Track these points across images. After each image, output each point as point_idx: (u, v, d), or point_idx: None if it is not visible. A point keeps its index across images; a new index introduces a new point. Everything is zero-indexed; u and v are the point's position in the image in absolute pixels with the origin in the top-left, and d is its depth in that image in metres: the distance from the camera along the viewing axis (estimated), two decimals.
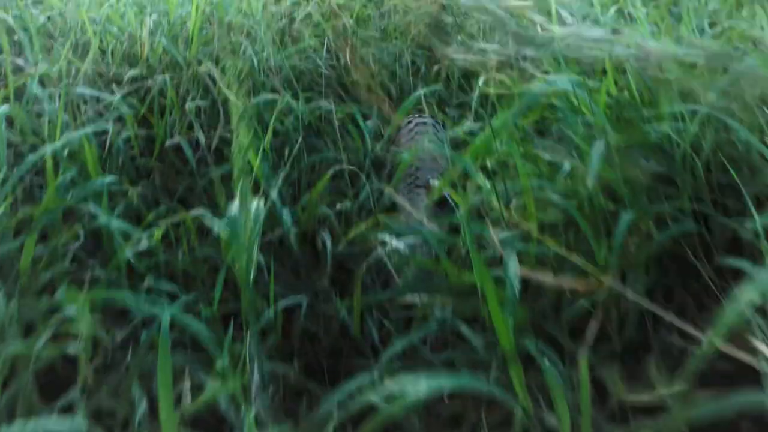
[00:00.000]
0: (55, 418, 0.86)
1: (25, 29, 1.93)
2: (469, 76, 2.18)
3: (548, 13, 1.72)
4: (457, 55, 1.64)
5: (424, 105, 1.85)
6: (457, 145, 1.63)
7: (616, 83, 1.38)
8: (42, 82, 1.67)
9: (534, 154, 1.31)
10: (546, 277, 0.94)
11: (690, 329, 0.89)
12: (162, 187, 1.68)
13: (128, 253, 1.19)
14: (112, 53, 1.93)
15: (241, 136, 1.14)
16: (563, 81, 1.32)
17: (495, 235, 1.03)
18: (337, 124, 1.76)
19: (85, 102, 1.69)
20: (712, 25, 1.68)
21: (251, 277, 1.00)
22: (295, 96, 1.86)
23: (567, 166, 1.19)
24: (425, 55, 2.35)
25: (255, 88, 1.86)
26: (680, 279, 1.17)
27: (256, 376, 1.03)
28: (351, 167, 1.62)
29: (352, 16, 2.30)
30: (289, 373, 1.17)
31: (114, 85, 1.79)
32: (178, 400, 0.96)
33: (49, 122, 1.50)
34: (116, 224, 1.22)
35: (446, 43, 2.38)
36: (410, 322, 1.23)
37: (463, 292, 1.14)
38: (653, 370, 1.07)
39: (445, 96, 2.15)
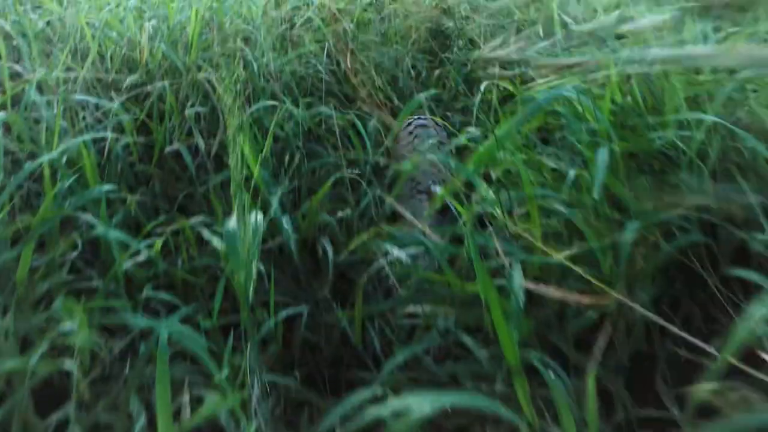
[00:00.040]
0: None
1: (24, 35, 1.91)
2: (470, 80, 2.17)
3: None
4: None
5: (426, 110, 1.84)
6: (459, 150, 1.61)
7: (620, 89, 1.37)
8: (40, 89, 1.66)
9: (537, 162, 1.30)
10: (551, 291, 0.93)
11: (697, 342, 0.87)
12: (161, 193, 1.67)
13: (126, 264, 1.17)
14: (111, 58, 1.91)
15: (239, 148, 1.12)
16: (567, 88, 1.30)
17: (499, 245, 1.02)
18: (337, 130, 1.74)
19: (84, 108, 1.68)
20: (716, 30, 1.67)
21: (250, 290, 0.98)
22: (295, 102, 1.85)
23: (572, 174, 1.18)
24: (426, 60, 2.34)
25: (255, 94, 1.84)
26: (687, 289, 1.15)
27: (256, 389, 1.02)
28: (352, 174, 1.60)
29: (352, 21, 2.29)
30: (289, 384, 1.15)
31: (113, 91, 1.78)
32: (178, 413, 0.94)
33: (47, 129, 1.48)
34: (114, 234, 1.20)
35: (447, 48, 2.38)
36: (412, 331, 1.21)
37: (466, 302, 1.12)
38: (660, 382, 1.06)
39: (446, 100, 2.14)
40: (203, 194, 1.62)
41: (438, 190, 1.48)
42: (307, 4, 2.36)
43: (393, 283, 1.27)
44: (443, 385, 1.08)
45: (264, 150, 1.49)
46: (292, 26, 2.24)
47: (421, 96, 1.75)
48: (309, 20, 2.28)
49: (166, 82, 1.78)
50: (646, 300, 1.03)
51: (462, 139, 1.48)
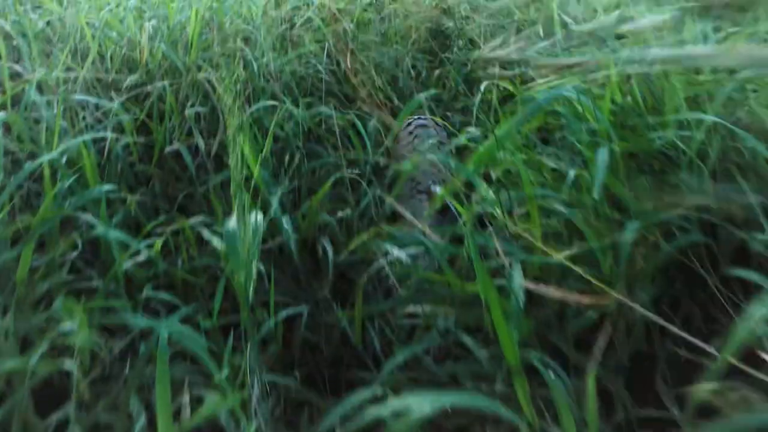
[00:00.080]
0: None
1: (24, 35, 1.91)
2: (470, 80, 2.17)
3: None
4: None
5: (426, 110, 1.84)
6: (459, 150, 1.61)
7: (620, 89, 1.37)
8: (40, 89, 1.65)
9: (537, 161, 1.30)
10: (552, 291, 0.93)
11: (697, 342, 0.87)
12: (161, 193, 1.67)
13: (126, 264, 1.17)
14: (111, 58, 1.91)
15: (239, 148, 1.12)
16: (567, 87, 1.30)
17: (499, 246, 1.02)
18: (337, 130, 1.74)
19: (84, 108, 1.67)
20: (716, 30, 1.67)
21: (250, 291, 0.98)
22: (295, 102, 1.84)
23: (572, 174, 1.18)
24: (426, 60, 2.34)
25: (255, 94, 1.84)
26: (686, 289, 1.15)
27: (256, 389, 1.02)
28: (352, 174, 1.60)
29: (352, 21, 2.29)
30: (289, 384, 1.15)
31: (113, 91, 1.78)
32: (178, 413, 0.94)
33: (47, 129, 1.48)
34: (114, 235, 1.20)
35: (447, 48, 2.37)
36: (412, 331, 1.21)
37: (466, 302, 1.12)
38: (660, 382, 1.06)
39: (446, 100, 2.14)
40: (203, 194, 1.62)
41: (438, 190, 1.48)
42: (307, 4, 2.36)
43: (393, 283, 1.27)
44: (443, 385, 1.08)
45: (264, 150, 1.49)
46: (292, 26, 2.23)
47: (421, 96, 1.75)
48: (309, 20, 2.28)
49: (166, 82, 1.78)
50: (646, 300, 1.03)
51: (462, 139, 1.48)
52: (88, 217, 1.25)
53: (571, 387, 0.94)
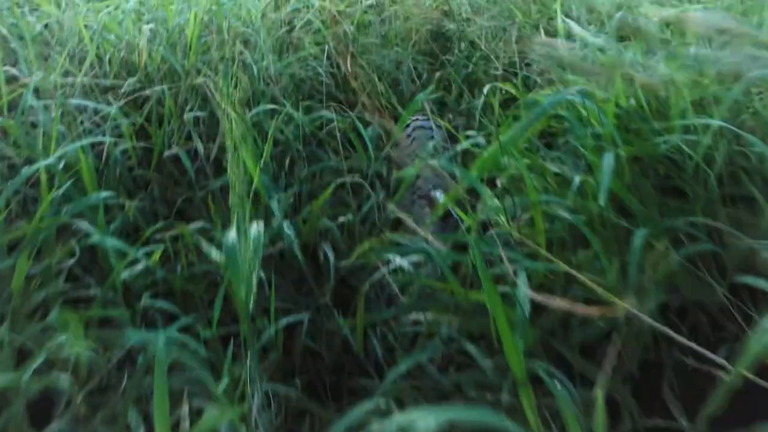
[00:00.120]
0: None
1: (21, 38, 1.89)
2: (472, 83, 2.15)
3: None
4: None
5: (429, 112, 1.82)
6: (462, 154, 1.60)
7: (624, 93, 1.35)
8: (37, 93, 1.64)
9: (541, 166, 1.28)
10: (559, 302, 0.91)
11: (705, 351, 0.85)
12: (160, 198, 1.65)
13: (124, 274, 1.16)
14: (110, 62, 1.89)
15: (239, 153, 1.11)
16: (571, 91, 1.28)
17: (504, 254, 1.00)
18: (338, 133, 1.73)
19: (82, 112, 1.66)
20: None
21: (251, 303, 0.97)
22: (296, 105, 1.83)
23: (577, 179, 1.16)
24: (427, 62, 2.32)
25: (254, 97, 1.82)
26: (694, 296, 1.13)
27: (256, 399, 1.00)
28: (353, 178, 1.59)
29: (352, 23, 2.27)
30: (290, 393, 1.14)
31: (111, 95, 1.76)
32: (177, 425, 0.93)
33: (45, 134, 1.46)
34: (111, 243, 1.18)
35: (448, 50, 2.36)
36: (415, 338, 1.19)
37: (469, 310, 1.11)
38: (667, 391, 1.04)
39: (448, 102, 2.12)
40: (202, 199, 1.60)
41: (439, 195, 1.47)
42: (307, 7, 2.34)
43: (395, 290, 1.25)
44: (447, 395, 1.07)
45: (264, 154, 1.47)
46: (292, 29, 2.22)
47: (421, 96, 1.73)
48: (309, 23, 2.26)
49: (165, 86, 1.76)
50: (653, 308, 1.02)
51: (465, 144, 1.46)
52: (85, 224, 1.23)
53: (577, 397, 0.92)
